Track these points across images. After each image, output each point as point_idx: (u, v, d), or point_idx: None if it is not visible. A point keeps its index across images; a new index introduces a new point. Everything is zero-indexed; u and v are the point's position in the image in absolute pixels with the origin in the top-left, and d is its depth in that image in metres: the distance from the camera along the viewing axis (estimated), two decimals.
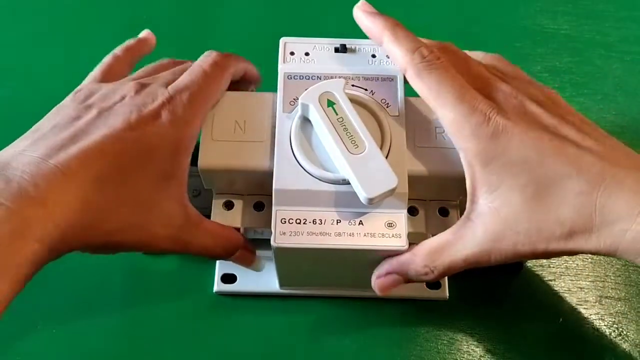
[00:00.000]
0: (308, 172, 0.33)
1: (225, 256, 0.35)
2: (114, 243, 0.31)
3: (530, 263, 0.42)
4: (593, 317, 0.40)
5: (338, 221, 0.33)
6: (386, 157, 0.32)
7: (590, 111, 0.33)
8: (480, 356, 0.39)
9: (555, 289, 0.41)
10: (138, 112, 0.31)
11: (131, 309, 0.40)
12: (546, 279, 0.41)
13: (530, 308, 0.40)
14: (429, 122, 0.35)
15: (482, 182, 0.30)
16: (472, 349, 0.39)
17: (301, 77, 0.35)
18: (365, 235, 0.32)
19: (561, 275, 0.41)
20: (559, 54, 0.51)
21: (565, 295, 0.41)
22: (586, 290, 0.41)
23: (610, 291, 0.41)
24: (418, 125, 0.35)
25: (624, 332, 0.39)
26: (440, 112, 0.31)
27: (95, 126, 0.30)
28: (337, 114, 0.33)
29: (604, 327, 0.40)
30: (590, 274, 0.41)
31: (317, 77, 0.35)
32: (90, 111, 0.31)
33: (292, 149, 0.33)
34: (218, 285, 0.40)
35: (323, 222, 0.33)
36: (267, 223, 0.33)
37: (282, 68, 0.35)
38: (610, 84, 0.49)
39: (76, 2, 0.53)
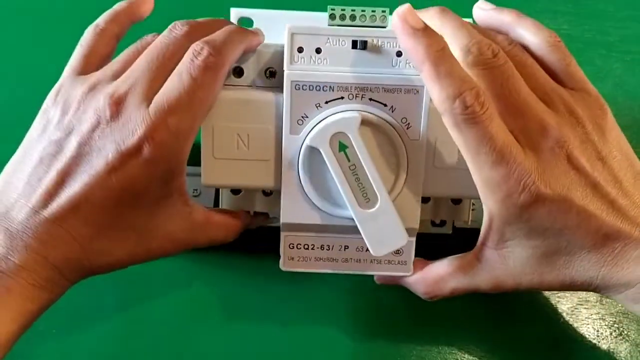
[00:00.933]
0: (317, 206, 0.32)
1: (236, 237, 0.35)
2: (123, 267, 0.32)
3: None
4: (594, 317, 0.40)
5: (346, 247, 0.33)
6: (402, 184, 0.31)
7: None
8: (481, 356, 0.39)
9: None
10: (117, 151, 0.29)
11: (129, 308, 0.40)
12: None
13: (530, 308, 0.40)
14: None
15: (496, 232, 0.31)
16: (472, 349, 0.39)
17: (311, 87, 0.31)
18: (372, 261, 0.33)
19: None
20: None
21: (566, 295, 0.40)
22: None
23: None
24: (440, 140, 0.32)
25: (625, 332, 0.39)
26: (473, 168, 0.29)
27: (78, 167, 0.29)
28: (349, 161, 0.30)
29: (605, 327, 0.40)
30: None
31: (330, 87, 0.30)
32: (69, 141, 0.30)
33: (300, 180, 0.32)
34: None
35: (331, 247, 0.33)
36: (276, 206, 0.34)
37: (289, 73, 0.31)
38: (611, 84, 0.49)
39: (76, 2, 0.53)
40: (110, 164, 0.29)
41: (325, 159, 0.30)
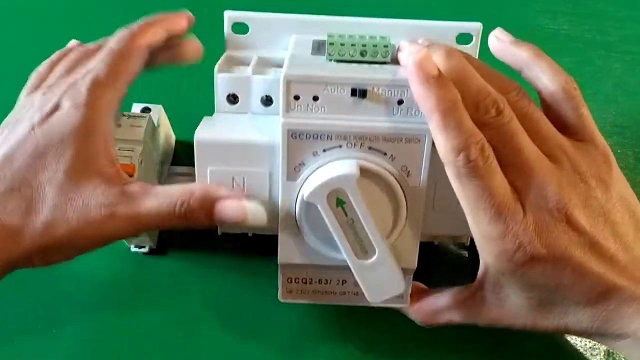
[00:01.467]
0: (315, 250, 0.32)
1: (198, 217, 0.30)
2: (47, 247, 0.29)
3: None
4: None
5: (344, 281, 0.33)
6: (401, 228, 0.31)
7: (590, 111, 0.32)
8: (481, 356, 0.39)
9: None
10: (40, 112, 0.30)
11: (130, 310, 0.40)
12: None
13: None
14: None
15: (491, 281, 0.31)
16: (470, 350, 0.39)
17: (308, 136, 0.29)
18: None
19: None
20: (559, 54, 0.50)
21: None
22: None
23: None
24: (441, 184, 0.31)
25: None
26: (471, 221, 0.29)
27: (5, 140, 0.30)
28: (347, 216, 0.30)
29: None
30: None
31: (328, 136, 0.29)
32: (4, 131, 0.31)
33: (297, 224, 0.31)
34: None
35: (329, 282, 0.34)
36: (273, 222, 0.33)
37: (285, 122, 0.29)
38: (611, 84, 0.49)
39: (76, 2, 0.53)
40: (32, 125, 0.30)
41: (323, 214, 0.29)
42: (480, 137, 0.28)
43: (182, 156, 0.44)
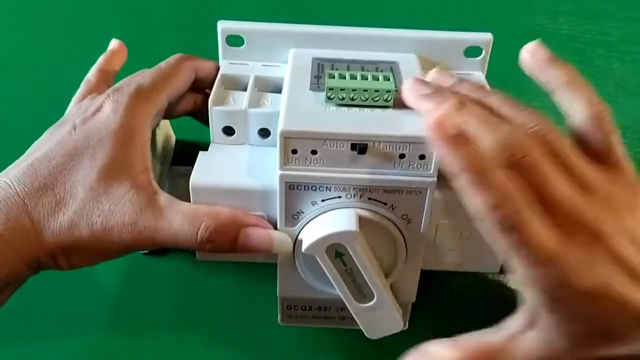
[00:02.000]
0: (313, 286, 0.32)
1: (222, 243, 0.29)
2: (68, 247, 0.29)
3: None
4: None
5: (342, 308, 0.33)
6: (401, 268, 0.31)
7: None
8: None
9: None
10: (83, 114, 0.31)
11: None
12: None
13: None
14: (456, 220, 0.30)
15: (537, 319, 0.29)
16: None
17: (306, 187, 0.28)
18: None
19: None
20: (560, 54, 0.50)
21: None
22: None
23: None
24: (442, 224, 0.30)
25: None
26: (510, 267, 0.28)
27: (48, 139, 0.31)
28: (345, 265, 0.29)
29: None
30: None
31: (327, 187, 0.28)
32: (50, 130, 0.32)
33: (295, 263, 0.31)
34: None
35: (328, 308, 0.34)
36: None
37: (283, 175, 0.28)
38: (611, 84, 0.49)
39: (75, 2, 0.53)
40: (73, 125, 0.31)
41: (321, 264, 0.29)
42: (514, 194, 0.27)
43: (182, 156, 0.44)
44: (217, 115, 0.32)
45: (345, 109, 0.28)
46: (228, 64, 0.35)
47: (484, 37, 0.34)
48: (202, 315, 0.39)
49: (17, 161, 0.31)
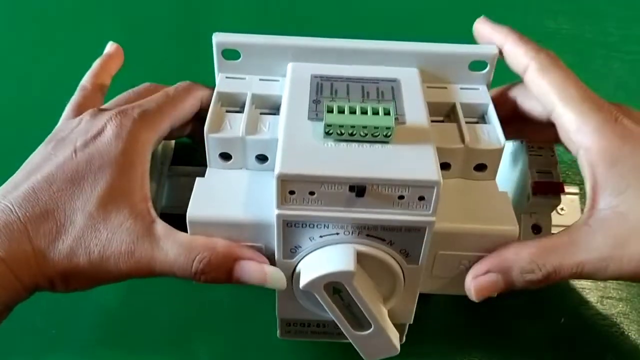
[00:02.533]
0: (311, 311, 0.32)
1: (216, 275, 0.29)
2: (68, 274, 0.29)
3: None
4: (595, 317, 0.40)
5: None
6: (399, 296, 0.31)
7: None
8: (482, 356, 0.39)
9: (557, 289, 0.41)
10: (84, 136, 0.31)
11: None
12: None
13: (531, 308, 0.40)
14: (455, 250, 0.30)
15: (606, 185, 0.28)
16: (473, 349, 0.39)
17: (304, 225, 0.28)
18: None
19: None
20: (560, 54, 0.50)
21: (567, 295, 0.40)
22: (588, 291, 0.41)
23: (612, 292, 0.41)
24: (440, 254, 0.30)
25: (626, 333, 0.39)
26: (562, 109, 0.30)
27: (48, 159, 0.30)
28: (343, 300, 0.29)
29: (606, 327, 0.39)
30: None
31: (325, 225, 0.28)
32: (48, 146, 0.31)
33: (294, 292, 0.31)
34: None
35: (326, 325, 0.34)
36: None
37: (281, 214, 0.27)
38: (612, 84, 0.49)
39: (75, 3, 0.53)
40: (74, 147, 0.30)
41: (319, 299, 0.29)
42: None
43: (182, 156, 0.44)
44: (213, 142, 0.31)
45: (343, 144, 0.28)
46: (224, 79, 0.34)
47: (490, 52, 0.33)
48: (202, 315, 0.39)
49: (15, 179, 0.30)
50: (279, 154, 0.27)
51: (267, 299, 0.34)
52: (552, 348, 0.39)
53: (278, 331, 0.34)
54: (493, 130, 0.32)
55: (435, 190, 0.26)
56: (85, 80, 0.36)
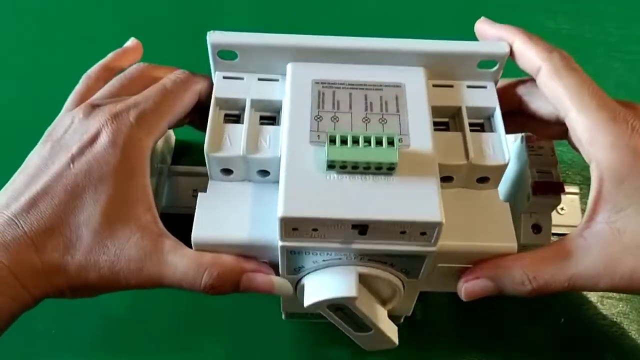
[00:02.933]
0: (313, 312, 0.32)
1: (224, 288, 0.30)
2: (77, 286, 0.29)
3: None
4: (595, 317, 0.40)
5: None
6: (398, 301, 0.32)
7: None
8: (482, 357, 0.39)
9: None
10: (79, 141, 0.30)
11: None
12: None
13: (531, 308, 0.40)
14: (454, 263, 0.30)
15: (607, 200, 0.28)
16: (472, 349, 0.39)
17: (307, 252, 0.28)
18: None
19: None
20: None
21: (567, 295, 0.40)
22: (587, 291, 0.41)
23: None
24: (439, 266, 0.30)
25: (626, 333, 0.39)
26: (576, 115, 0.28)
27: (45, 165, 0.30)
28: (346, 314, 0.30)
29: (606, 327, 0.39)
30: None
31: (328, 253, 0.28)
32: (45, 147, 0.31)
33: (297, 296, 0.32)
34: None
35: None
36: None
37: (284, 245, 0.28)
38: (612, 84, 0.49)
39: (75, 3, 0.53)
40: (71, 155, 0.29)
41: (323, 314, 0.30)
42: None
43: (182, 156, 0.44)
44: (214, 160, 0.30)
45: (346, 178, 0.27)
46: (221, 79, 0.32)
47: (500, 50, 0.32)
48: (202, 315, 0.39)
49: (15, 184, 0.30)
50: (281, 190, 0.27)
51: (270, 298, 0.34)
52: (552, 348, 0.39)
53: (283, 315, 0.34)
54: (498, 142, 0.31)
55: (437, 228, 0.26)
56: (91, 70, 0.35)
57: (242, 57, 0.32)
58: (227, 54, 0.31)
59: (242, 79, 0.32)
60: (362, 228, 0.27)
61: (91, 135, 0.30)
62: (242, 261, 0.30)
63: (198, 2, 0.54)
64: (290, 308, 0.34)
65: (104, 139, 0.29)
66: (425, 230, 0.27)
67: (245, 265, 0.30)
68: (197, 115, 0.34)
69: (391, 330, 0.31)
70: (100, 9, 0.53)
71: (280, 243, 0.28)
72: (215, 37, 0.31)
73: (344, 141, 0.27)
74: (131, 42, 0.37)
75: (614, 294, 0.40)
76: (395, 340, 0.32)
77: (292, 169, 0.28)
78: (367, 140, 0.27)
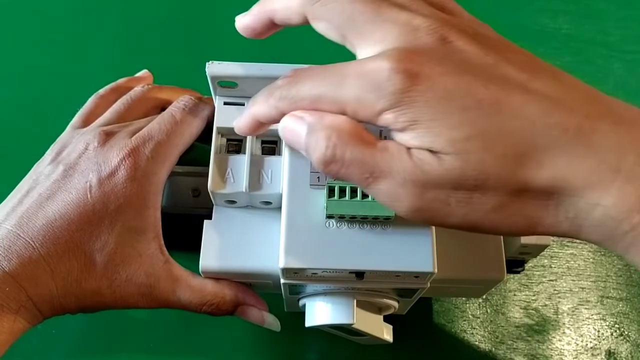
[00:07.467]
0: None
1: (221, 314, 0.33)
2: (88, 307, 0.31)
3: (531, 263, 0.42)
4: (595, 317, 0.40)
5: None
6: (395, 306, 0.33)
7: None
8: (481, 357, 0.39)
9: (557, 289, 0.41)
10: (98, 173, 0.31)
11: None
12: (547, 279, 0.41)
13: (531, 308, 0.40)
14: (446, 284, 0.33)
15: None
16: (472, 349, 0.39)
17: (308, 294, 0.32)
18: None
19: (562, 275, 0.41)
20: (560, 54, 0.51)
21: (567, 295, 0.40)
22: (587, 291, 0.41)
23: (612, 291, 0.41)
24: (432, 286, 0.31)
25: (626, 332, 0.39)
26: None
27: (59, 189, 0.31)
28: (346, 330, 0.33)
29: (606, 327, 0.39)
30: (592, 274, 0.41)
31: (327, 285, 0.31)
32: (57, 169, 0.32)
33: (299, 306, 0.34)
34: None
35: None
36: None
37: (286, 283, 0.30)
38: (612, 84, 0.49)
39: (75, 3, 0.53)
40: (89, 185, 0.31)
41: (324, 329, 0.33)
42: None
43: (182, 156, 0.44)
44: (218, 195, 0.32)
45: (345, 226, 0.29)
46: (222, 107, 0.33)
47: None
48: (202, 315, 0.39)
49: (25, 200, 0.30)
50: (282, 240, 0.28)
51: (270, 295, 0.35)
52: (552, 348, 0.39)
53: (285, 306, 0.35)
54: None
55: (429, 276, 0.28)
56: (104, 89, 0.36)
57: (242, 85, 0.32)
58: (227, 83, 0.32)
59: (242, 104, 0.33)
60: (359, 275, 0.28)
61: (111, 169, 0.31)
62: (241, 293, 0.33)
63: (198, 2, 0.54)
64: (291, 309, 0.35)
65: (122, 173, 0.31)
66: (419, 275, 0.29)
67: (244, 299, 0.33)
68: (203, 132, 0.35)
69: (386, 332, 0.33)
70: (100, 9, 0.53)
71: (282, 281, 0.30)
72: (213, 69, 0.31)
73: (342, 190, 0.28)
74: (143, 72, 0.39)
75: (614, 294, 0.40)
76: (390, 339, 0.33)
77: (292, 218, 0.29)
78: (364, 214, 0.28)
